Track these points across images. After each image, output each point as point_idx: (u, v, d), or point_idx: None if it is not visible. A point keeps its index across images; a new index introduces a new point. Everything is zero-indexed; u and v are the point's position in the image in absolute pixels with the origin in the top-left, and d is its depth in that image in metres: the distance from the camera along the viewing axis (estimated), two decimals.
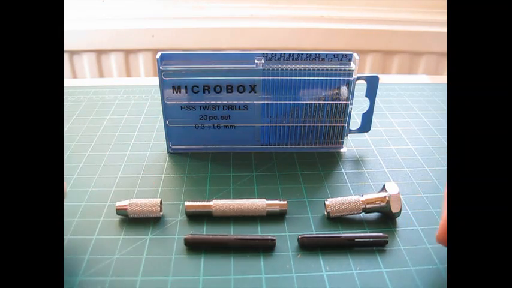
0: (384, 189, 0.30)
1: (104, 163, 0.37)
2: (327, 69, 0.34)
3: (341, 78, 0.35)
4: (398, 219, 0.30)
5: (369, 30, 0.91)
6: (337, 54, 0.34)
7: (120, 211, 0.30)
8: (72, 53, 0.92)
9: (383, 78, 0.56)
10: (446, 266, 0.26)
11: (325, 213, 0.30)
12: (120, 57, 0.93)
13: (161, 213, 0.30)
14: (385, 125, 0.43)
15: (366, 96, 0.37)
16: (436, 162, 0.37)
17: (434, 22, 0.90)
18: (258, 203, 0.30)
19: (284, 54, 0.34)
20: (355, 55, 0.34)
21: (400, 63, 0.94)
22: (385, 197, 0.29)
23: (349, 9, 0.94)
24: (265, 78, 0.35)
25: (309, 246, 0.27)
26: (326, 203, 0.30)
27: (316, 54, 0.34)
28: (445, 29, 0.87)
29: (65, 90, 0.51)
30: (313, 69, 0.34)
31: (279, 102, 0.36)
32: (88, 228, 0.29)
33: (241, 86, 0.35)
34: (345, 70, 0.34)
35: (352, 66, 0.34)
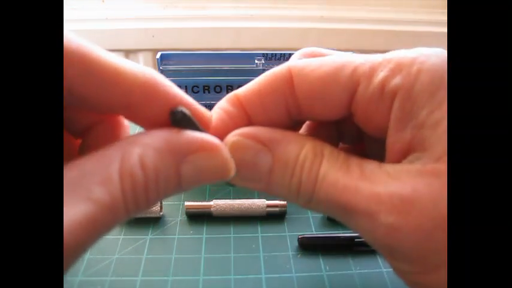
0: None
1: None
2: None
3: None
4: None
5: (369, 30, 0.91)
6: None
7: None
8: None
9: None
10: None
11: None
12: (120, 57, 0.93)
13: (161, 213, 0.30)
14: None
15: None
16: None
17: (435, 22, 0.90)
18: (258, 203, 0.30)
19: (284, 54, 0.34)
20: None
21: None
22: None
23: (349, 9, 0.94)
24: None
25: (309, 246, 0.27)
26: None
27: None
28: (445, 29, 0.87)
29: None
30: None
31: None
32: None
33: (241, 86, 0.35)
34: None
35: None
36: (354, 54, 0.18)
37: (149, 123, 0.16)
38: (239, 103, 0.19)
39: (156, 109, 0.16)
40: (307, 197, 0.17)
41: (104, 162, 0.14)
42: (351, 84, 0.17)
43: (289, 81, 0.18)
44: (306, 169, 0.17)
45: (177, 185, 0.16)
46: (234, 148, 0.17)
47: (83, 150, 0.18)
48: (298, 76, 0.18)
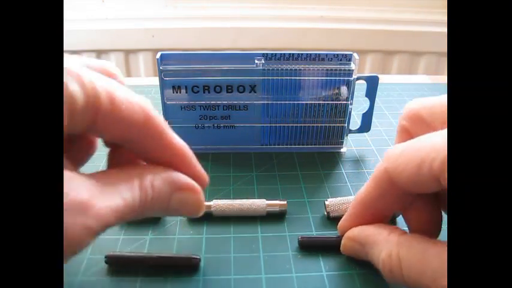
0: None
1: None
2: (327, 69, 0.34)
3: (341, 78, 0.35)
4: (398, 219, 0.30)
5: (369, 30, 0.91)
6: (337, 54, 0.34)
7: None
8: (72, 53, 0.92)
9: (383, 78, 0.56)
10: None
11: (325, 213, 0.30)
12: (120, 57, 0.93)
13: None
14: (385, 125, 0.43)
15: (366, 96, 0.37)
16: None
17: (434, 22, 0.91)
18: (258, 203, 0.30)
19: (284, 54, 0.34)
20: (355, 55, 0.34)
21: (400, 63, 0.94)
22: None
23: (349, 9, 0.94)
24: (265, 78, 0.35)
25: (309, 247, 0.27)
26: (326, 203, 0.30)
27: (316, 54, 0.34)
28: (445, 29, 0.87)
29: None
30: (313, 69, 0.34)
31: (279, 102, 0.36)
32: None
33: (241, 86, 0.35)
34: (344, 70, 0.34)
35: (352, 66, 0.34)
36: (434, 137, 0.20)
37: (145, 159, 0.23)
38: (364, 207, 0.25)
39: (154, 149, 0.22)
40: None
41: (130, 176, 0.20)
42: (433, 179, 0.20)
43: (389, 181, 0.23)
44: (387, 271, 0.22)
45: (165, 209, 0.21)
46: (344, 247, 0.26)
47: (111, 156, 0.25)
48: (395, 179, 0.22)
